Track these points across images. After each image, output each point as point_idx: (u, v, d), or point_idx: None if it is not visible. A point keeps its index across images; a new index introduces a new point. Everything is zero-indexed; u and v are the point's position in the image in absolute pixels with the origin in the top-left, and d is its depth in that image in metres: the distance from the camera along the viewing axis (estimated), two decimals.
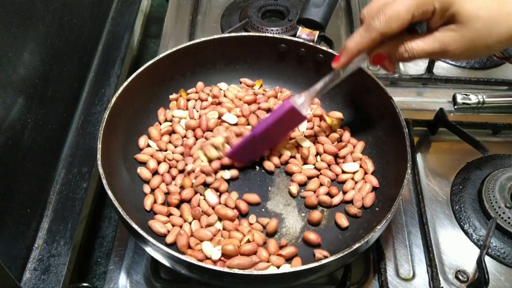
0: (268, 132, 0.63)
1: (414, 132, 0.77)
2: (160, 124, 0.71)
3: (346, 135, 0.70)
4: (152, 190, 0.64)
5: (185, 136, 0.70)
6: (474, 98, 0.81)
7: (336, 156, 0.68)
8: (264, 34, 0.73)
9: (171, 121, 0.71)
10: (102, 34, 0.87)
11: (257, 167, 0.68)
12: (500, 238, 0.65)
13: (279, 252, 0.58)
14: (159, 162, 0.66)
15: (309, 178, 0.66)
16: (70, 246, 0.61)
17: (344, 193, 0.65)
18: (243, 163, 0.67)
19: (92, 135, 0.73)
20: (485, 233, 0.65)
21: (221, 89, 0.75)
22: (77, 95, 0.76)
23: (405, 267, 0.63)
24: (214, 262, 0.56)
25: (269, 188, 0.66)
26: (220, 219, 0.61)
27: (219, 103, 0.73)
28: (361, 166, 0.67)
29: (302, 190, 0.65)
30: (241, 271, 0.49)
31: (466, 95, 0.81)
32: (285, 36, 0.72)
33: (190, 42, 0.71)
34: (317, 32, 0.70)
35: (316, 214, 0.62)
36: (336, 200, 0.64)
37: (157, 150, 0.68)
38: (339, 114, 0.72)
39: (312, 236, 0.60)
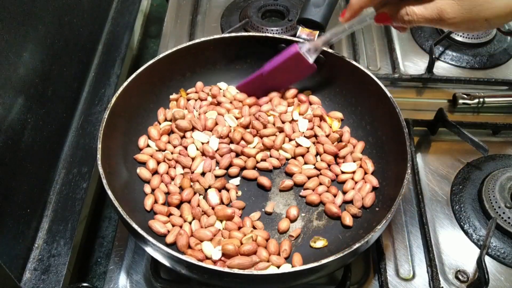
0: (275, 72, 0.69)
1: (414, 132, 0.77)
2: (160, 124, 0.71)
3: (346, 135, 0.70)
4: (153, 190, 0.64)
5: (184, 136, 0.70)
6: (474, 98, 0.81)
7: (336, 156, 0.68)
8: (264, 34, 0.73)
9: (170, 120, 0.71)
10: (102, 34, 0.87)
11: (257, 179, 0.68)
12: (500, 238, 0.65)
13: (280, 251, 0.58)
14: (158, 162, 0.66)
15: (309, 178, 0.66)
16: (70, 246, 0.61)
17: (344, 193, 0.65)
18: (251, 96, 0.73)
19: (92, 135, 0.73)
20: (485, 233, 0.65)
21: (220, 89, 0.75)
22: (77, 95, 0.76)
23: (405, 267, 0.63)
24: (214, 262, 0.56)
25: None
26: (221, 220, 0.61)
27: (218, 103, 0.73)
28: (361, 166, 0.67)
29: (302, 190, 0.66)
30: (241, 271, 0.49)
31: (466, 95, 0.81)
32: (285, 36, 0.72)
33: (190, 42, 0.71)
34: (317, 32, 0.70)
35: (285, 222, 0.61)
36: (338, 200, 0.64)
37: (156, 150, 0.68)
38: (339, 114, 0.72)
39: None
